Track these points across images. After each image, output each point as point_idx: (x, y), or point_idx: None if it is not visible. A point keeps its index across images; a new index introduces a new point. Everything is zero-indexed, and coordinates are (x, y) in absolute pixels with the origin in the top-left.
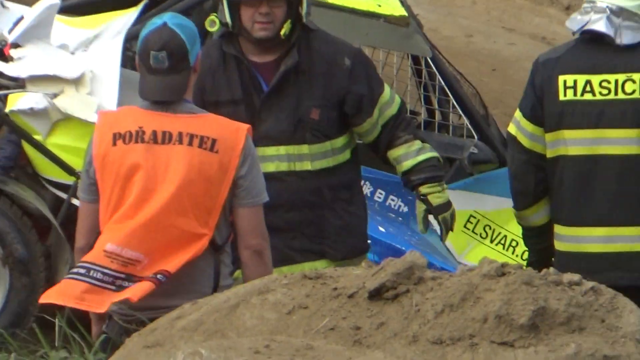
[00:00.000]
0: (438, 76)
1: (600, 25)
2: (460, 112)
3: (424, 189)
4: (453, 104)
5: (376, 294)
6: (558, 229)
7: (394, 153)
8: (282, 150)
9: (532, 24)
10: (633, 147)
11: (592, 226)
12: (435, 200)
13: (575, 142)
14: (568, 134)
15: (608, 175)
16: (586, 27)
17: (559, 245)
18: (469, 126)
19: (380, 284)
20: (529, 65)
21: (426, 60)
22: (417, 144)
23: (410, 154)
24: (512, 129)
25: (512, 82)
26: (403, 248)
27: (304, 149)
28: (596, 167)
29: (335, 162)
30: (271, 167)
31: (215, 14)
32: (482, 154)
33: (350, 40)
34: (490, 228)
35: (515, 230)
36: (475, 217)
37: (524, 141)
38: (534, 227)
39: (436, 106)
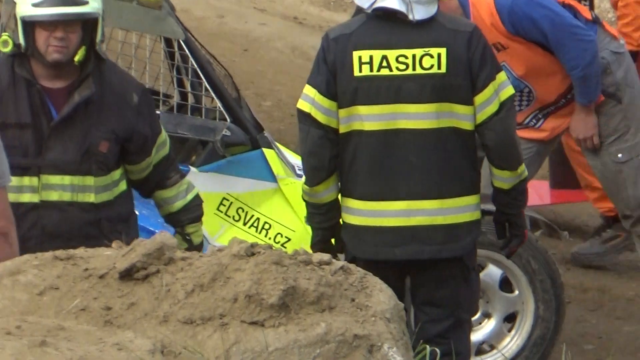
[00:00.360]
0: (191, 59)
1: (391, 2)
2: (213, 94)
3: (189, 228)
4: (205, 86)
5: (127, 275)
6: (352, 203)
7: (164, 194)
8: (66, 180)
9: (283, 4)
10: (432, 121)
11: (391, 200)
12: (197, 239)
13: (371, 118)
14: (364, 109)
15: (407, 149)
16: (377, 5)
17: (353, 220)
18: (222, 109)
19: (130, 264)
20: (280, 45)
21: (179, 43)
22: (185, 182)
23: (180, 194)
24: (304, 106)
25: (263, 63)
26: (156, 230)
27: (89, 180)
28: (394, 141)
29: (114, 195)
30: (54, 196)
31: (7, 33)
32: (235, 136)
33: (104, 23)
34: (243, 211)
35: (268, 212)
36: (228, 200)
37: (320, 117)
38: (322, 204)
39: (189, 89)
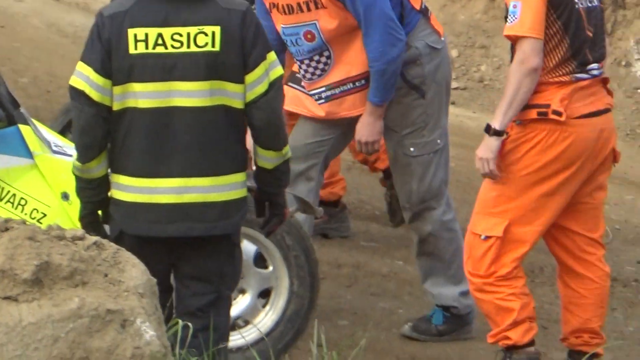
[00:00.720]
0: None
1: None
2: None
3: None
4: None
5: None
6: (124, 180)
7: None
8: None
9: None
10: (205, 99)
11: (164, 177)
12: None
13: (146, 95)
14: (139, 86)
15: (181, 127)
16: None
17: (125, 197)
18: None
19: None
20: (36, 22)
21: None
22: None
23: None
24: (78, 83)
25: (20, 39)
26: None
27: None
28: (169, 119)
29: None
30: None
31: None
32: None
33: None
34: None
35: (23, 188)
36: None
37: (94, 95)
38: (93, 180)
39: None
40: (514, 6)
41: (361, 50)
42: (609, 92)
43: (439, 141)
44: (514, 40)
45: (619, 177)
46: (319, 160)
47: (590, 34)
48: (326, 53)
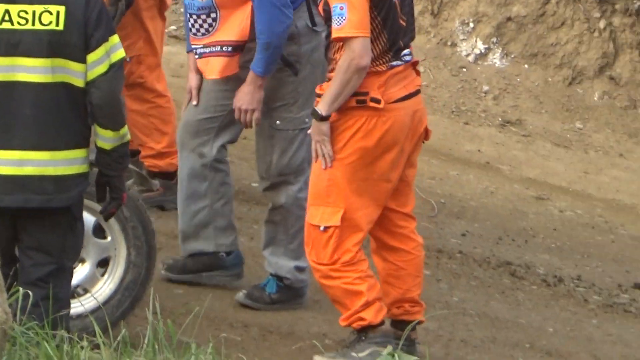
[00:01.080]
0: None
1: None
2: None
3: None
4: None
5: None
6: None
7: None
8: None
9: None
10: (47, 75)
11: (4, 149)
12: None
13: None
14: None
15: (23, 101)
16: None
17: None
18: None
19: None
20: None
21: None
22: None
23: None
24: None
25: None
26: None
27: None
28: (12, 93)
29: None
30: None
31: None
32: None
33: None
34: None
35: None
36: None
37: None
38: None
39: None
40: (341, 8)
41: (244, 20)
42: (418, 74)
43: (306, 120)
44: (342, 41)
45: (445, 153)
46: (210, 137)
47: (404, 23)
48: (213, 15)
